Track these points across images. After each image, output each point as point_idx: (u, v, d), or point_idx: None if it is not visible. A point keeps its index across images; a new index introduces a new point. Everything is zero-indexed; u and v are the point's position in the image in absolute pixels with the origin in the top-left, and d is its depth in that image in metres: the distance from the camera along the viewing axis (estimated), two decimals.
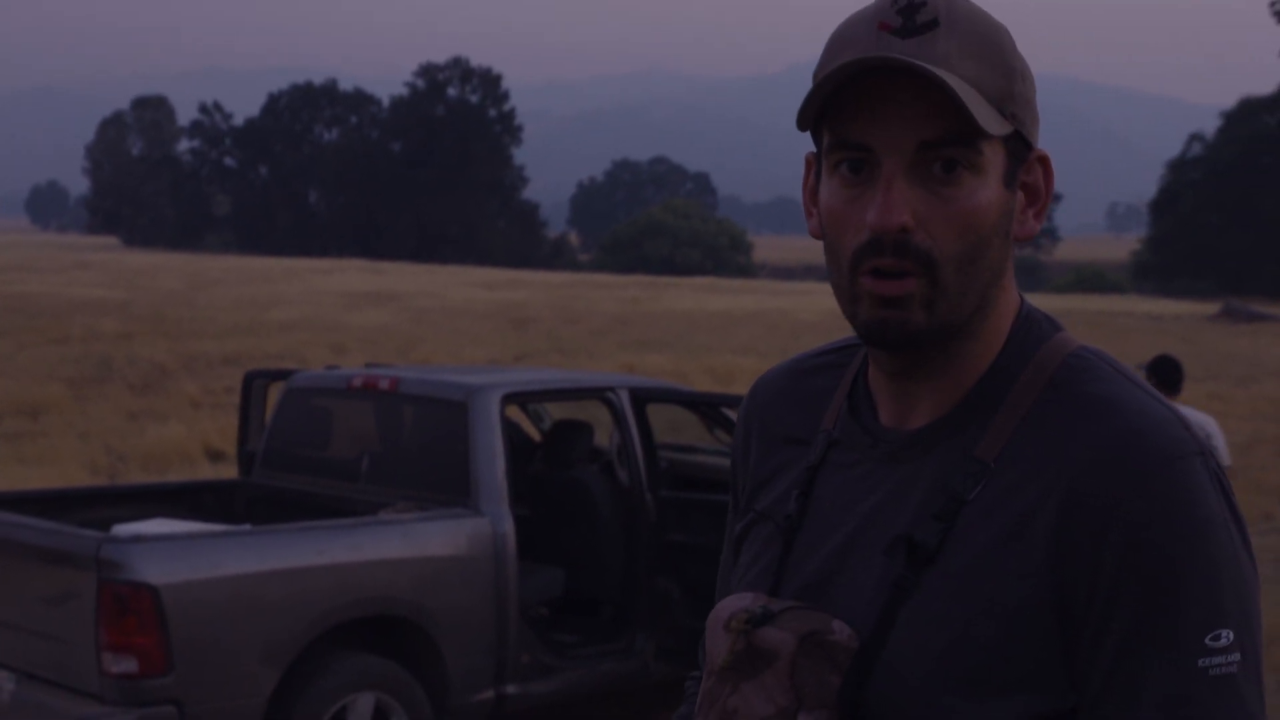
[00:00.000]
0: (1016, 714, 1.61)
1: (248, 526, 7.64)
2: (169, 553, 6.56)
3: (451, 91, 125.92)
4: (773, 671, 1.67)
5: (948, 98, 1.61)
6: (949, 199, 1.64)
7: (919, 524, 1.68)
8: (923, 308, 1.66)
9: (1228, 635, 1.57)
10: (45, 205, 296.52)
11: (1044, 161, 1.75)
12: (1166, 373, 9.15)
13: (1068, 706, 1.62)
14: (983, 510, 1.66)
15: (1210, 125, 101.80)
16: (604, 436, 9.45)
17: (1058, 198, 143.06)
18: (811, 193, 1.77)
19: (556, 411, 10.09)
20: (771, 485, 1.90)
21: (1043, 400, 1.69)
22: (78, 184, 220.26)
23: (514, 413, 9.82)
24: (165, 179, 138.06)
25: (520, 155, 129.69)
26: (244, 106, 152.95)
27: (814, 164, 1.76)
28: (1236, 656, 1.57)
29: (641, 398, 8.42)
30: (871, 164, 1.65)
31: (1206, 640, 1.57)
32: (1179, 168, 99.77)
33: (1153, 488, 1.59)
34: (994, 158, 1.66)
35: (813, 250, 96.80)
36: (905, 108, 1.63)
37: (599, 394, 8.39)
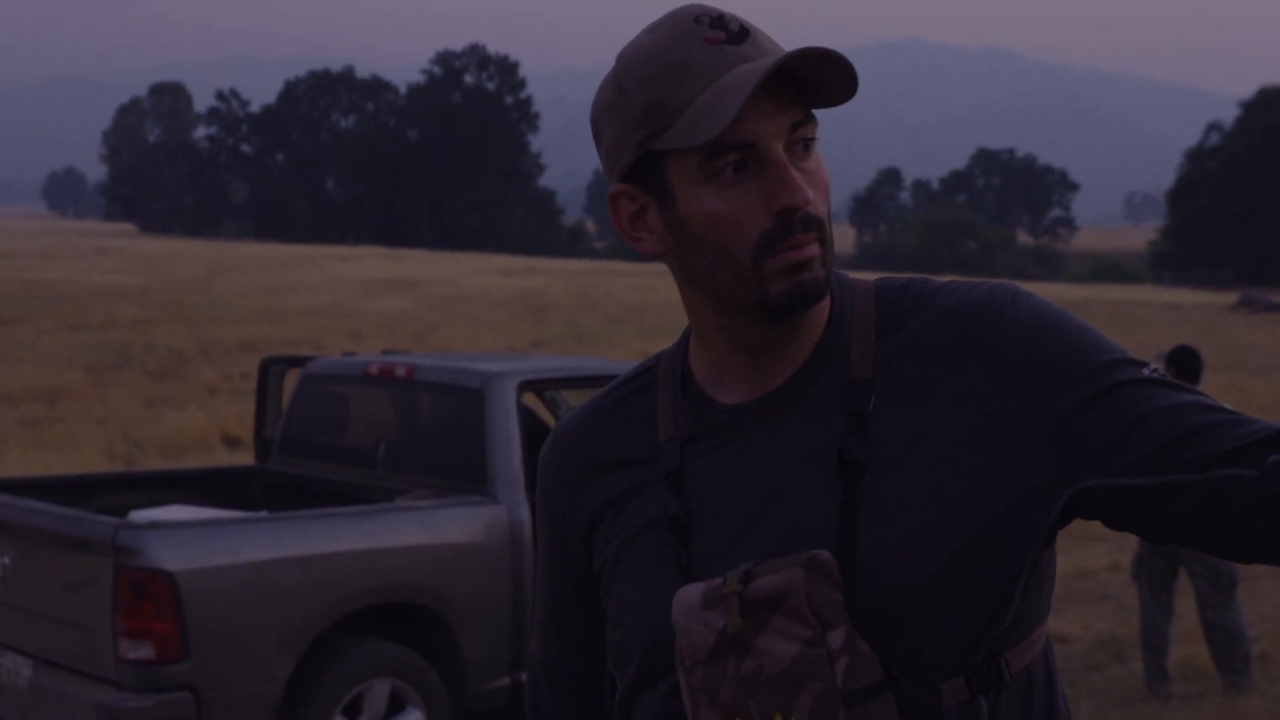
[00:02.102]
0: (986, 578, 1.79)
1: (264, 513, 7.65)
2: (186, 539, 6.57)
3: (468, 79, 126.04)
4: (784, 612, 1.75)
5: (795, 84, 1.79)
6: (811, 171, 1.83)
7: (844, 445, 1.82)
8: (821, 265, 1.82)
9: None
10: (63, 192, 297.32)
11: None
12: (1186, 363, 9.10)
13: (1029, 558, 1.82)
14: (888, 415, 1.83)
15: (1229, 115, 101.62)
16: None
17: (1074, 187, 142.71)
18: (632, 220, 1.90)
19: (573, 399, 10.09)
20: (625, 509, 1.96)
21: (886, 317, 1.89)
22: (95, 170, 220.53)
23: (531, 400, 9.82)
24: (183, 166, 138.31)
25: (537, 142, 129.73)
26: (261, 94, 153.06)
27: (631, 193, 1.89)
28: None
29: None
30: (751, 159, 1.79)
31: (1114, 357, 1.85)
32: (1197, 157, 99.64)
33: (1004, 299, 1.86)
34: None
35: None
36: (772, 99, 1.78)
37: None
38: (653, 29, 1.85)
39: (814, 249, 1.81)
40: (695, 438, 1.92)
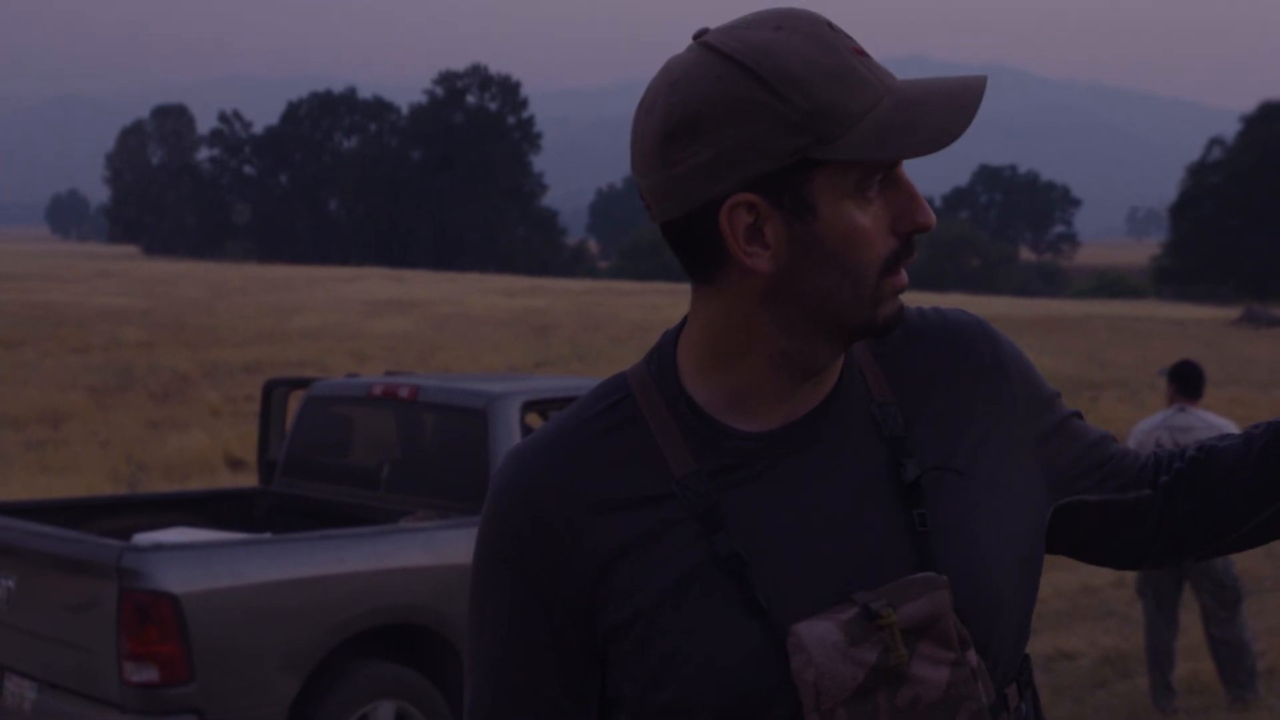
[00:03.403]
0: (1031, 581, 1.89)
1: (268, 535, 7.65)
2: (190, 561, 6.57)
3: (470, 99, 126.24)
4: (930, 637, 1.72)
5: None
6: None
7: (899, 469, 1.81)
8: None
9: None
10: (66, 214, 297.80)
11: None
12: (1188, 378, 9.11)
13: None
14: (917, 437, 1.85)
15: (1231, 129, 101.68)
16: None
17: (1077, 202, 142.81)
18: (750, 233, 1.73)
19: None
20: (647, 555, 1.79)
21: (872, 343, 1.90)
22: (98, 193, 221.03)
23: (534, 420, 9.83)
24: (185, 187, 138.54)
25: (539, 162, 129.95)
26: (264, 115, 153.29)
27: (756, 203, 1.72)
28: None
29: None
30: (883, 178, 1.75)
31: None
32: (1199, 172, 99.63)
33: (993, 331, 1.97)
34: None
35: None
36: None
37: None
38: (779, 28, 1.72)
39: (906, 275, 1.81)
40: (722, 470, 1.80)
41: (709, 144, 1.70)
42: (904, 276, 1.78)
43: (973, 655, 1.74)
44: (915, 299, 36.27)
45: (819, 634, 1.69)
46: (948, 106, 1.72)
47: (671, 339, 1.88)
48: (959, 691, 1.72)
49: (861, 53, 1.73)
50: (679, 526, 1.78)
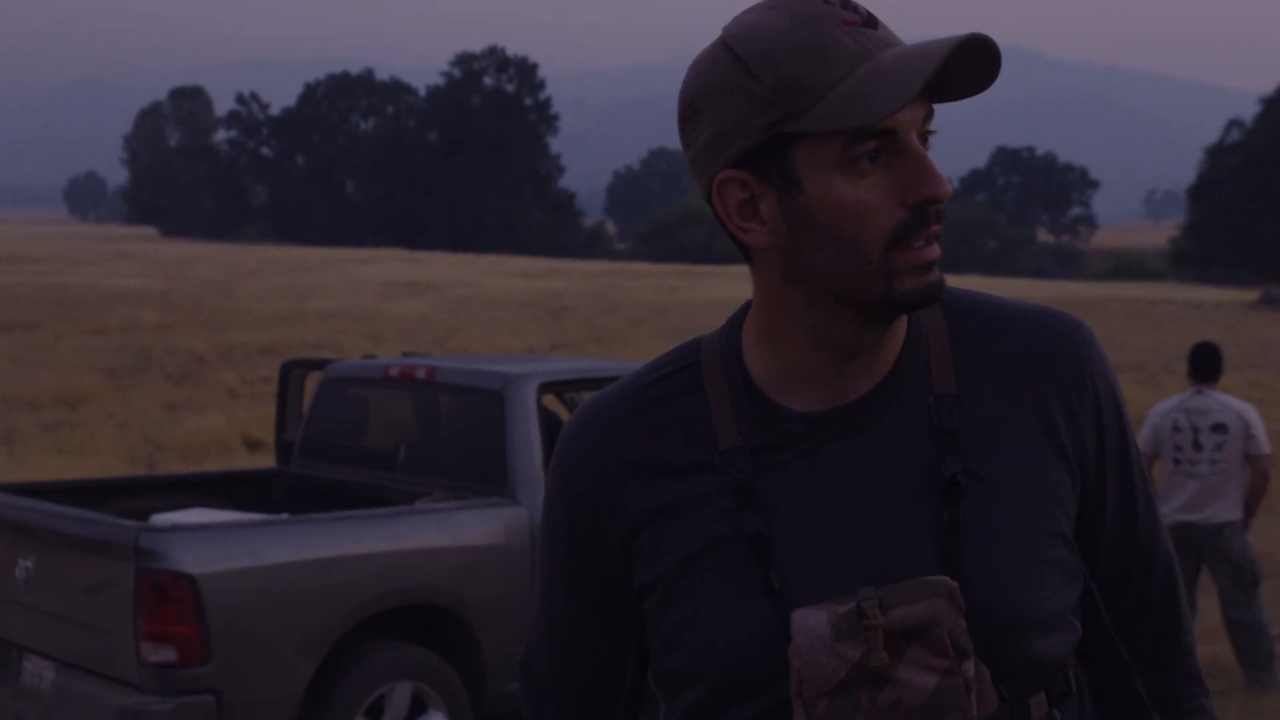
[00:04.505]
0: (1070, 594, 1.84)
1: (285, 516, 7.66)
2: (207, 542, 6.58)
3: (488, 81, 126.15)
4: (923, 642, 1.70)
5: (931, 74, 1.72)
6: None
7: (940, 465, 1.78)
8: (938, 268, 1.79)
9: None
10: (83, 196, 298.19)
11: None
12: (1206, 361, 9.09)
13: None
14: (972, 433, 1.81)
15: (1249, 111, 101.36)
16: None
17: (1094, 184, 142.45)
18: (743, 209, 1.78)
19: None
20: (680, 522, 1.83)
21: (956, 329, 1.87)
22: (116, 175, 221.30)
23: (551, 402, 9.83)
24: (202, 169, 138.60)
25: (556, 144, 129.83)
26: (281, 97, 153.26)
27: (744, 180, 1.76)
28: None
29: None
30: (884, 149, 1.72)
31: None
32: (1218, 154, 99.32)
33: (1090, 344, 1.90)
34: None
35: None
36: None
37: None
38: (773, 6, 1.73)
39: (937, 250, 1.77)
40: (765, 448, 1.81)
41: (705, 126, 1.77)
42: (929, 250, 1.75)
43: (970, 666, 1.71)
44: None
45: (810, 624, 1.70)
46: (911, 71, 1.68)
47: (742, 312, 1.91)
48: (946, 700, 1.70)
49: (854, 23, 1.71)
50: (714, 498, 1.81)
